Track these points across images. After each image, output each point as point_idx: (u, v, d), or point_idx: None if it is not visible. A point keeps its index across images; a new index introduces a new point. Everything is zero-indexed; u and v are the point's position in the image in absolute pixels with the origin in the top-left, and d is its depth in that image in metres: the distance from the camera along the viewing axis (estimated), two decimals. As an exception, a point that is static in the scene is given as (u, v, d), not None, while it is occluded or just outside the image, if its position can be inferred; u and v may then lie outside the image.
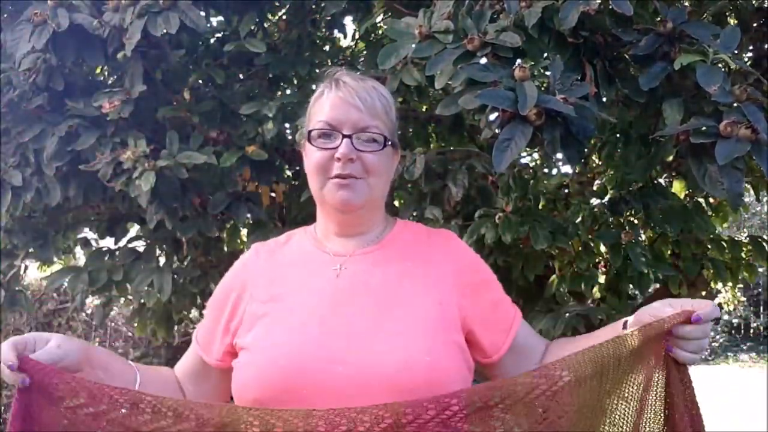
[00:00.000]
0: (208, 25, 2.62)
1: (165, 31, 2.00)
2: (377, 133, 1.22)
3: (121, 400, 1.05)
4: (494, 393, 1.00)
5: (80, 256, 4.05)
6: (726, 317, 13.05)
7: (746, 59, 2.47)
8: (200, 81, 2.53)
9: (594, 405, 1.06)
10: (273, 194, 2.72)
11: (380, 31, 2.86)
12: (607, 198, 2.48)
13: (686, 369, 1.08)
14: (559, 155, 1.77)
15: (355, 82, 1.24)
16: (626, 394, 1.08)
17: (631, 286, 2.46)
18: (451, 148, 2.53)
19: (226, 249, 2.80)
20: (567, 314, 2.27)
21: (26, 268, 3.24)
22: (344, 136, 1.20)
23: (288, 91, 2.86)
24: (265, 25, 2.80)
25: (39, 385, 1.05)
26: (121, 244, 2.82)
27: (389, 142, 1.25)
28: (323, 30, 3.06)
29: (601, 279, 2.59)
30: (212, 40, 2.71)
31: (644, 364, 1.07)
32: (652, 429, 1.08)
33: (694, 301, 1.08)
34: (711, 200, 2.78)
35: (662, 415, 1.08)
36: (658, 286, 2.86)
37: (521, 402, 1.00)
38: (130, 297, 3.10)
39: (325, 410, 1.00)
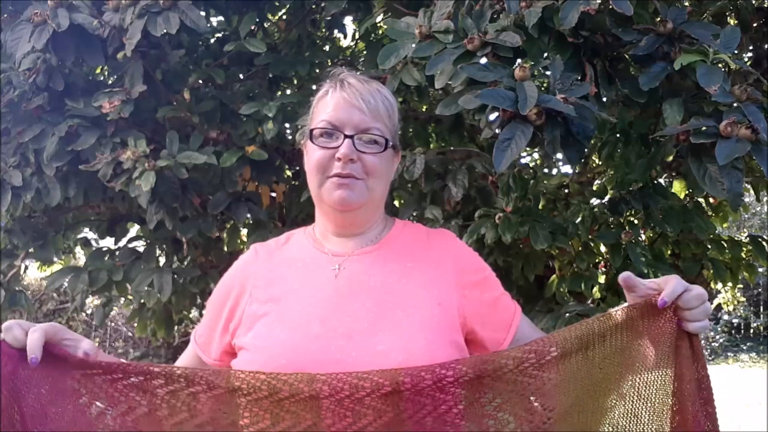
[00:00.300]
0: (208, 25, 2.62)
1: (165, 31, 2.00)
2: (379, 135, 1.23)
3: (134, 371, 1.10)
4: (486, 366, 1.07)
5: (80, 256, 4.05)
6: (726, 317, 13.03)
7: (746, 59, 2.47)
8: (200, 81, 2.53)
9: (581, 377, 1.10)
10: (273, 194, 2.72)
11: (380, 31, 2.86)
12: (607, 198, 2.48)
13: (698, 340, 1.10)
14: (559, 155, 1.77)
15: (360, 84, 1.24)
16: (624, 382, 1.11)
17: (631, 286, 2.45)
18: (451, 148, 2.53)
19: (226, 249, 2.80)
20: (567, 314, 2.27)
21: (26, 268, 3.25)
22: (346, 137, 1.20)
23: (288, 91, 2.86)
24: (265, 25, 2.80)
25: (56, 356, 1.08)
26: (121, 244, 2.82)
27: (390, 145, 1.25)
28: (323, 30, 3.07)
29: (601, 279, 2.59)
30: (212, 40, 2.71)
31: (639, 343, 1.10)
32: (659, 409, 1.11)
33: (659, 281, 1.11)
34: (711, 200, 2.78)
35: (671, 386, 1.10)
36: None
37: (511, 373, 1.07)
38: (130, 297, 3.10)
39: (328, 375, 1.05)
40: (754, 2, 2.24)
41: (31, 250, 2.74)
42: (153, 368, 1.11)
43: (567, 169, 3.02)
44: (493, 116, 1.50)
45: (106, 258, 2.70)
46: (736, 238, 2.81)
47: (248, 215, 2.42)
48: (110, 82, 2.60)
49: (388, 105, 1.26)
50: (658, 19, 1.66)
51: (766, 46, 2.45)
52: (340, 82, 1.25)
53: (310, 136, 1.25)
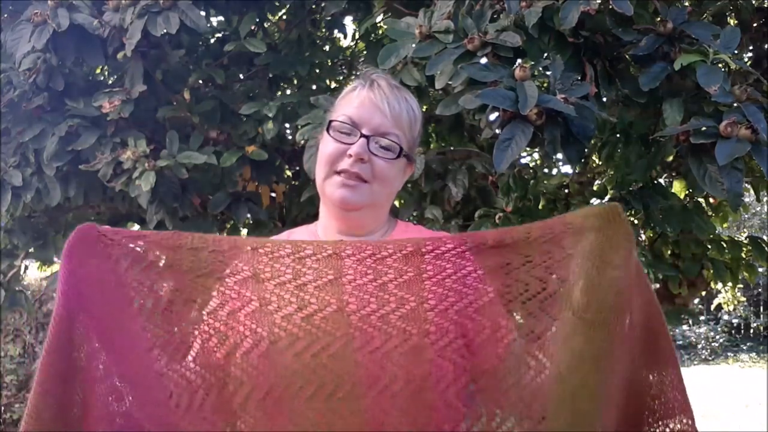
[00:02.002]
0: (208, 25, 2.62)
1: (165, 31, 2.00)
2: (395, 142, 1.23)
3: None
4: (506, 236, 1.12)
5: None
6: (726, 317, 13.03)
7: (746, 59, 2.48)
8: (200, 81, 2.53)
9: (591, 252, 1.11)
10: (273, 194, 2.72)
11: (380, 31, 2.86)
12: (607, 198, 2.47)
13: None
14: (559, 155, 1.77)
15: (389, 88, 1.25)
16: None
17: (631, 286, 2.45)
18: (451, 148, 2.53)
19: (226, 249, 2.79)
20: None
21: (26, 268, 3.24)
22: (362, 136, 1.21)
23: (288, 91, 2.86)
24: (265, 25, 2.80)
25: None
26: (121, 244, 2.81)
27: (404, 154, 1.25)
28: (323, 30, 3.06)
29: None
30: (212, 40, 2.71)
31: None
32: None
33: None
34: (711, 200, 2.78)
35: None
36: (658, 286, 2.85)
37: (530, 245, 1.11)
38: (130, 297, 3.09)
39: (353, 240, 1.14)
40: (754, 2, 2.24)
41: (31, 250, 2.74)
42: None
43: (567, 169, 3.02)
44: (493, 116, 1.50)
45: (106, 258, 2.69)
46: (736, 238, 2.82)
47: (248, 215, 2.42)
48: (110, 82, 2.60)
49: (411, 115, 1.26)
50: (658, 19, 1.66)
51: (766, 46, 2.45)
52: (371, 81, 1.26)
53: (327, 128, 1.25)
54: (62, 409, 1.03)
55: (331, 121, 1.25)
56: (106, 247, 1.07)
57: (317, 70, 2.83)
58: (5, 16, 2.31)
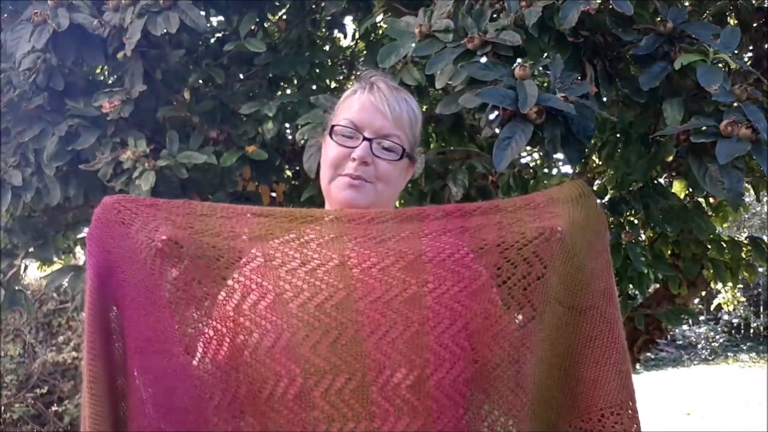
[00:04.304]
0: (208, 25, 2.62)
1: (165, 30, 2.00)
2: (397, 143, 1.25)
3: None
4: (494, 204, 1.26)
5: (80, 256, 4.04)
6: (726, 317, 13.04)
7: (746, 59, 2.48)
8: (200, 81, 2.53)
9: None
10: (273, 194, 2.72)
11: (380, 31, 2.86)
12: (607, 198, 2.48)
13: None
14: (559, 155, 1.77)
15: (388, 90, 1.27)
16: None
17: (631, 286, 2.45)
18: (451, 148, 2.53)
19: (226, 249, 2.79)
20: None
21: (26, 268, 3.24)
22: (365, 139, 1.23)
23: (288, 91, 2.85)
24: (265, 25, 2.80)
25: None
26: (122, 243, 2.81)
27: (406, 155, 1.27)
28: (323, 30, 3.06)
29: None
30: (212, 40, 2.71)
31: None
32: None
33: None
34: (711, 200, 2.78)
35: None
36: (658, 286, 2.86)
37: (513, 209, 1.24)
38: (130, 297, 3.08)
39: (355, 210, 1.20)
40: (754, 2, 2.24)
41: (31, 249, 2.73)
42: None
43: (567, 169, 3.03)
44: (493, 115, 1.50)
45: (106, 258, 2.68)
46: (736, 238, 2.81)
47: (248, 215, 2.42)
48: (110, 82, 2.60)
49: (412, 116, 1.28)
50: (658, 19, 1.66)
51: (766, 46, 2.45)
52: (370, 84, 1.28)
53: (330, 131, 1.27)
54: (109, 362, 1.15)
55: (333, 126, 1.27)
56: (126, 215, 1.18)
57: (317, 70, 2.83)
58: (5, 16, 2.31)
